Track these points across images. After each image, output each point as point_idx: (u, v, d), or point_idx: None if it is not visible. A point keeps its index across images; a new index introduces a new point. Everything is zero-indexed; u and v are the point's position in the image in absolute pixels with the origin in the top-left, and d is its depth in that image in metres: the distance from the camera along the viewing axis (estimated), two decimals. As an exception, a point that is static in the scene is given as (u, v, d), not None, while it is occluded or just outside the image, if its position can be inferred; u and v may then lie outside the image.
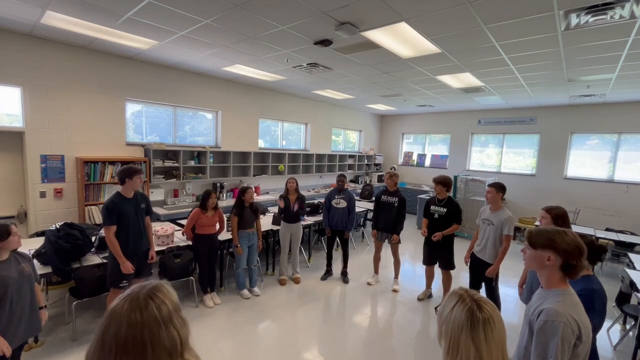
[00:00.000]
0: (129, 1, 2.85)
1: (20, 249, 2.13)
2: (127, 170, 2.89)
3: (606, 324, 3.60)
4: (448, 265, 3.83)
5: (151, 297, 0.78)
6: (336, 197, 4.44)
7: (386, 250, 4.54)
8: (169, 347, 0.76)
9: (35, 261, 2.86)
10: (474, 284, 3.43)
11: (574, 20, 2.82)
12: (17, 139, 4.02)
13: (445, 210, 3.74)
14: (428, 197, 7.64)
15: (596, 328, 1.59)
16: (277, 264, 4.79)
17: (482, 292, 3.26)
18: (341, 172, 5.35)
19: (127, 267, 2.84)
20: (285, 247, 4.38)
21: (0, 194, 3.99)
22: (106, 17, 3.24)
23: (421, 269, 4.39)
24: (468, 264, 3.53)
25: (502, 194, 3.28)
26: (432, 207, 3.85)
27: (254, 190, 3.92)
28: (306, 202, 5.74)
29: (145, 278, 3.20)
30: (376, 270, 4.55)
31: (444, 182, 3.76)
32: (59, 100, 4.20)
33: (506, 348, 0.98)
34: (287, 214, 4.28)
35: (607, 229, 5.89)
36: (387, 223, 4.23)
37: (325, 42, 3.64)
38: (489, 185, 3.33)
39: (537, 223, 3.18)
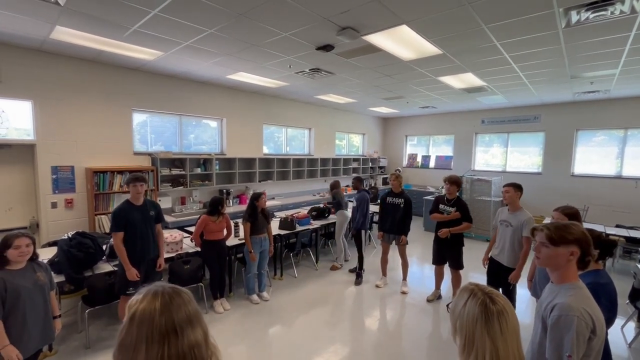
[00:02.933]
0: (136, 14, 2.92)
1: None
2: (128, 178, 3.00)
3: (620, 321, 3.55)
4: (457, 264, 3.81)
5: (173, 289, 0.82)
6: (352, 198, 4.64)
7: (393, 253, 4.54)
8: (204, 329, 0.80)
9: (48, 270, 2.91)
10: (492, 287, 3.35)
11: (574, 17, 2.84)
12: (28, 151, 4.11)
13: (454, 210, 3.72)
14: (433, 198, 7.66)
15: (606, 323, 1.58)
16: (286, 266, 4.82)
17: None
18: (357, 175, 5.70)
19: (132, 274, 2.89)
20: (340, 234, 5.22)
21: (13, 206, 4.07)
22: (113, 30, 3.32)
23: (429, 270, 4.38)
24: (486, 266, 3.41)
25: (520, 193, 3.19)
26: (441, 206, 3.83)
27: (265, 195, 3.98)
28: (312, 206, 5.85)
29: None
30: (384, 273, 4.54)
31: (457, 182, 3.75)
32: (68, 112, 4.29)
33: (520, 339, 0.98)
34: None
35: (618, 226, 5.82)
36: (394, 225, 4.23)
37: (327, 48, 3.69)
38: (507, 185, 3.22)
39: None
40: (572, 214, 2.14)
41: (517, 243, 3.08)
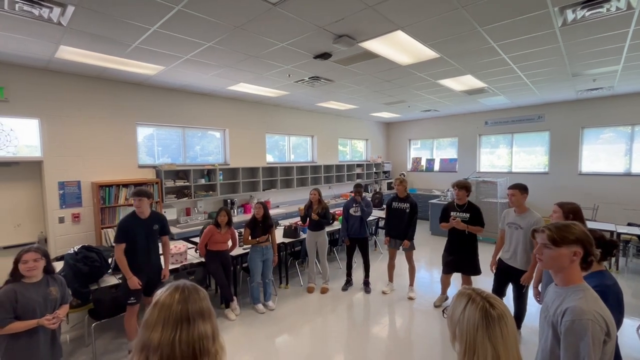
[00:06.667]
0: (136, 31, 3.00)
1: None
2: (131, 193, 3.00)
3: (635, 322, 3.44)
4: (474, 271, 3.67)
5: (193, 286, 0.95)
6: (354, 205, 4.48)
7: (400, 258, 4.49)
8: (214, 327, 0.92)
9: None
10: (498, 292, 3.22)
11: (570, 15, 2.83)
12: (36, 168, 4.20)
13: (468, 215, 3.62)
14: (439, 201, 7.62)
15: (616, 325, 1.54)
16: (292, 274, 4.79)
17: (506, 299, 3.09)
18: (358, 182, 5.56)
19: (134, 282, 2.89)
20: (312, 255, 4.55)
21: (22, 221, 4.15)
22: (115, 48, 3.41)
23: (437, 274, 4.30)
24: (494, 271, 3.33)
25: (526, 195, 3.10)
26: (453, 213, 3.71)
27: (261, 206, 3.94)
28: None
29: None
30: (391, 279, 4.49)
31: (466, 187, 3.67)
32: (74, 128, 4.39)
33: (519, 343, 0.98)
34: (311, 223, 4.45)
35: (630, 224, 5.68)
36: (400, 230, 4.19)
37: (324, 56, 3.73)
38: (512, 187, 3.11)
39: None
40: (574, 210, 2.10)
41: (530, 245, 2.97)
